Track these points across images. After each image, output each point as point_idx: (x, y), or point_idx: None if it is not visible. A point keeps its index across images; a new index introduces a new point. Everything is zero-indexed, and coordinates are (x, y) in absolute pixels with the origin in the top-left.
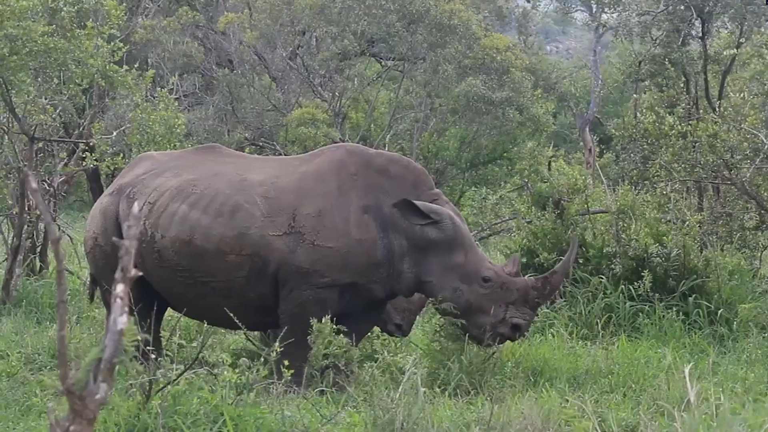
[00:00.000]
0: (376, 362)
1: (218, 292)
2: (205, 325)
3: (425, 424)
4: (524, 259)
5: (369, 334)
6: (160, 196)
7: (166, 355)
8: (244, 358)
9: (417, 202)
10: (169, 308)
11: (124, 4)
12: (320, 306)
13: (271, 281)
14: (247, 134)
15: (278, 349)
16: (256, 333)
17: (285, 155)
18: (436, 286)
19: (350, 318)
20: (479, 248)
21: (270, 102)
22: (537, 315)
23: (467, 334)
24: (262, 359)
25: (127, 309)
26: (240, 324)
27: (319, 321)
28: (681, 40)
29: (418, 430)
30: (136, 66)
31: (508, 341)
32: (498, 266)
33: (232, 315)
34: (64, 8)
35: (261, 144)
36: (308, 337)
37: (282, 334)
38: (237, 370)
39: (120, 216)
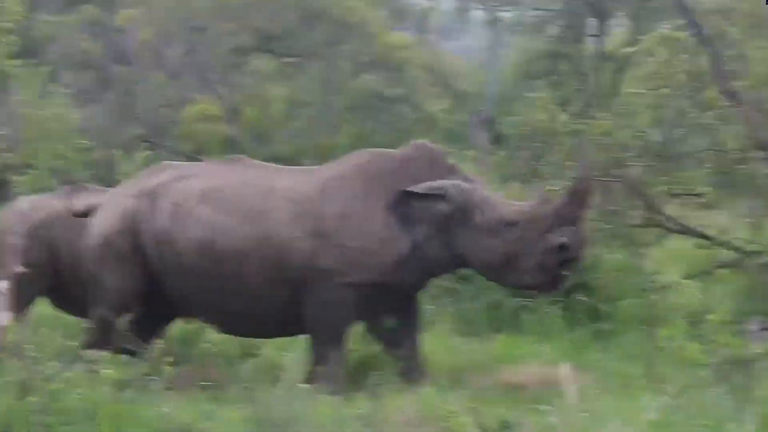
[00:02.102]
0: (256, 359)
1: (240, 296)
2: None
3: (305, 420)
4: None
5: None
6: (186, 199)
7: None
8: (123, 355)
9: (414, 188)
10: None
11: None
12: (345, 307)
13: (294, 287)
14: (142, 131)
15: (158, 345)
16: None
17: (179, 152)
18: (471, 255)
19: (400, 317)
20: (499, 197)
21: (165, 99)
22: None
23: (528, 287)
24: (142, 356)
25: (8, 306)
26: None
27: (347, 323)
28: (576, 37)
29: (298, 427)
30: (36, 62)
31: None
32: (523, 204)
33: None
34: None
35: (153, 141)
36: (337, 340)
37: (312, 338)
38: (116, 367)
39: (140, 218)
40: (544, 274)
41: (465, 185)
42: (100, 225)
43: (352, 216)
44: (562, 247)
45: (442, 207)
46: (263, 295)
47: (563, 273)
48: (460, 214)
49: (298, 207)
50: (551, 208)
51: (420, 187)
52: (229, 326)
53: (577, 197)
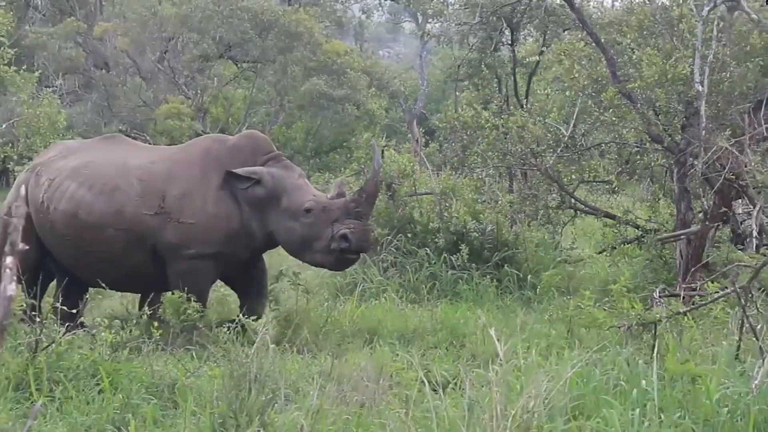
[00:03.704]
0: (233, 323)
1: (99, 261)
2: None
3: (275, 376)
4: None
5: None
6: (59, 174)
7: (50, 317)
8: (117, 320)
9: (237, 170)
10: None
11: (12, 12)
12: (196, 275)
13: (148, 254)
14: (121, 127)
15: (148, 312)
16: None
17: (154, 144)
18: (277, 233)
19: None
20: (306, 186)
21: (141, 99)
22: (366, 223)
23: (319, 265)
24: (134, 321)
25: (15, 278)
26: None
27: (202, 288)
28: (493, 46)
29: (269, 381)
30: (24, 68)
31: (356, 254)
32: (322, 195)
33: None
34: None
35: (134, 136)
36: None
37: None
38: (112, 331)
39: (28, 190)
40: (330, 255)
41: (278, 172)
42: (9, 195)
43: (191, 196)
44: (343, 237)
45: (258, 190)
46: (123, 260)
47: (349, 257)
48: (271, 199)
49: (145, 185)
50: (341, 201)
51: (241, 170)
52: (97, 283)
53: (365, 196)
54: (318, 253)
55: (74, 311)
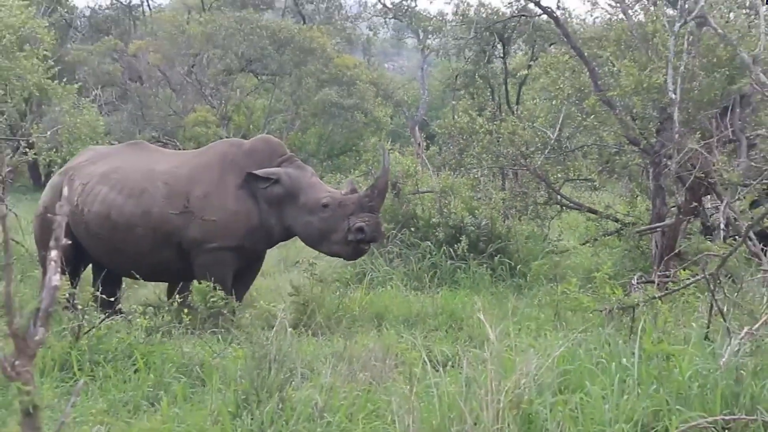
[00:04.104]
0: (254, 309)
1: (130, 257)
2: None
3: (292, 357)
4: None
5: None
6: (91, 179)
7: (90, 305)
8: (151, 307)
9: (257, 171)
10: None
11: (54, 32)
12: (220, 265)
13: (174, 249)
14: (153, 133)
15: (178, 300)
16: (162, 286)
17: (183, 149)
18: (296, 227)
19: (239, 274)
20: (320, 184)
21: (171, 108)
22: (377, 216)
23: (336, 255)
24: (166, 308)
25: (59, 269)
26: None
27: (225, 278)
28: (487, 59)
29: (287, 361)
30: (65, 81)
31: (369, 244)
32: (336, 191)
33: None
34: (6, 35)
35: (165, 141)
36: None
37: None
38: (146, 317)
39: (61, 192)
40: (347, 246)
41: (294, 172)
42: (42, 197)
43: (212, 195)
44: (360, 229)
45: (276, 189)
46: (151, 255)
47: (363, 247)
48: (289, 196)
49: (171, 188)
50: (355, 197)
51: (260, 171)
52: (129, 275)
53: (376, 191)
54: (336, 244)
55: (112, 299)
